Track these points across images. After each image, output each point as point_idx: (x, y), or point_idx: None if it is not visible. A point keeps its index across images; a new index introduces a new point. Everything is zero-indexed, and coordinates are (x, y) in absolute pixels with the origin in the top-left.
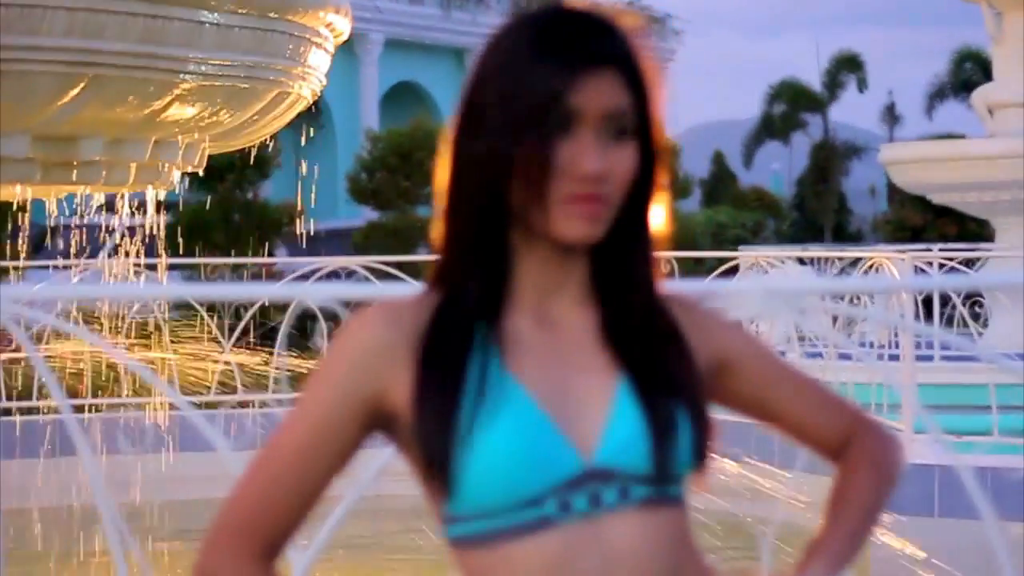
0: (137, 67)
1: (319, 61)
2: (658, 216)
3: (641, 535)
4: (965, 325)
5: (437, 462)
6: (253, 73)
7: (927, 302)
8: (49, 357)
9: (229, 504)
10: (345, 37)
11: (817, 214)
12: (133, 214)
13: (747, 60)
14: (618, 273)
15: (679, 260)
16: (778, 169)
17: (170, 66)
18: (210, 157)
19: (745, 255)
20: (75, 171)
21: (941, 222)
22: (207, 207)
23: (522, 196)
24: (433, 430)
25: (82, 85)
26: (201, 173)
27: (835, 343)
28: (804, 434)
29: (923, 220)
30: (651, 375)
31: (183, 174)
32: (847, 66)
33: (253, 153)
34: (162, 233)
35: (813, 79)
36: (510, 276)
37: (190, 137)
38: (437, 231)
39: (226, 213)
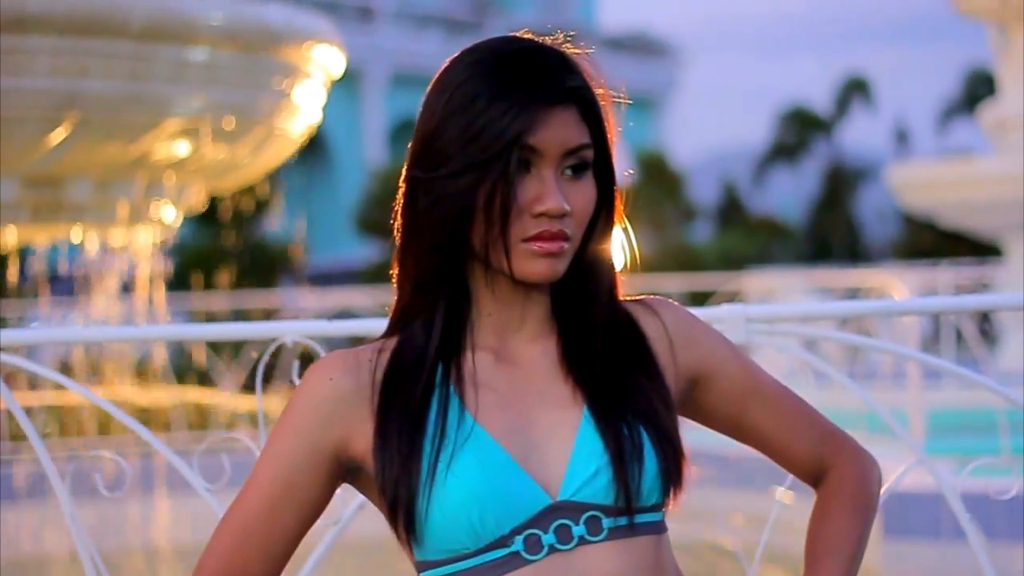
0: (123, 107)
1: (309, 96)
2: (617, 242)
3: (615, 565)
4: (987, 341)
5: (401, 509)
6: (240, 110)
7: (937, 320)
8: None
9: (203, 560)
10: (339, 72)
11: (828, 238)
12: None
13: (754, 83)
14: (577, 305)
15: (685, 287)
16: (788, 193)
17: (156, 105)
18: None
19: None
20: (64, 213)
21: (953, 243)
22: (208, 246)
23: (483, 236)
24: (395, 477)
25: (69, 126)
26: (199, 212)
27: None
28: (778, 452)
29: (935, 241)
30: (612, 404)
31: (183, 215)
32: (856, 87)
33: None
34: (158, 273)
35: (822, 101)
36: (469, 315)
37: (181, 177)
38: (395, 272)
39: (227, 253)
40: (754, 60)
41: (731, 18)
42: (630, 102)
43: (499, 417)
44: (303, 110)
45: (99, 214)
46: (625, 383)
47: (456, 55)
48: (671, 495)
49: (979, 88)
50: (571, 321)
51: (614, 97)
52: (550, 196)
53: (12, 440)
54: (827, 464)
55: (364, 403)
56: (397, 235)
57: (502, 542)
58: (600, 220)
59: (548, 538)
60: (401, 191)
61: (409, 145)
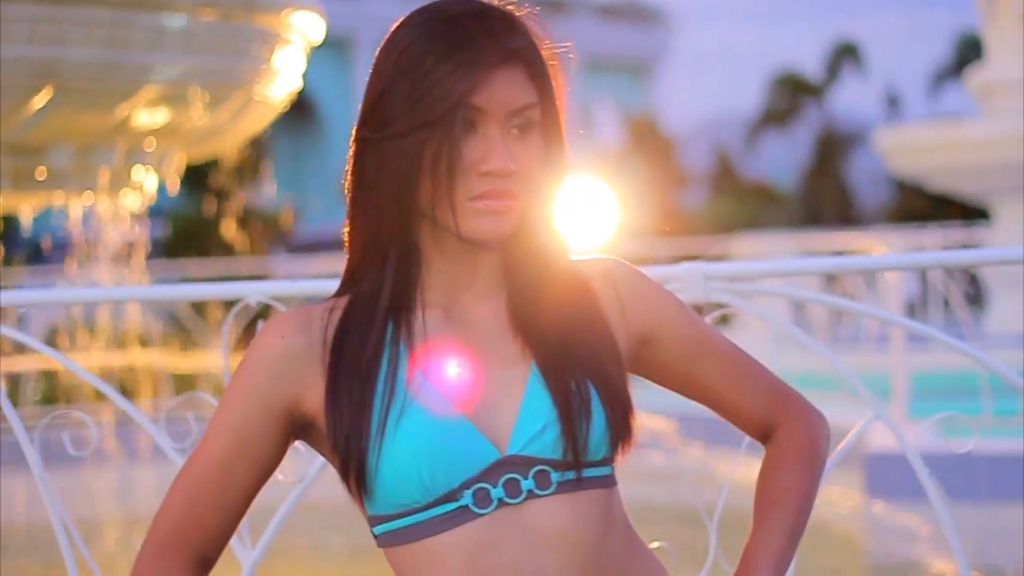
0: (102, 74)
1: (289, 63)
2: (564, 200)
3: (564, 518)
4: (974, 304)
5: (352, 464)
6: (219, 76)
7: (924, 283)
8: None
9: (158, 516)
10: (320, 38)
11: (820, 203)
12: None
13: (746, 50)
14: (526, 264)
15: (673, 252)
16: (780, 159)
17: (135, 72)
18: (201, 165)
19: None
20: (46, 180)
21: (945, 208)
22: (198, 215)
23: (430, 195)
24: (346, 433)
25: (48, 94)
26: (190, 181)
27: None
28: (728, 409)
29: (927, 206)
30: (560, 361)
31: (164, 181)
32: (847, 52)
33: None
34: (142, 240)
35: (813, 67)
36: (419, 273)
37: (162, 143)
38: (346, 231)
39: (218, 221)
40: (746, 26)
41: None
42: (571, 57)
43: (448, 374)
44: (283, 76)
45: (80, 181)
46: (573, 341)
47: (404, 17)
48: (620, 450)
49: (970, 53)
50: (520, 279)
51: (562, 57)
52: (495, 155)
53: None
54: (776, 421)
55: (316, 360)
56: (348, 195)
57: (451, 496)
58: (549, 179)
59: (497, 492)
60: (351, 151)
61: (360, 106)
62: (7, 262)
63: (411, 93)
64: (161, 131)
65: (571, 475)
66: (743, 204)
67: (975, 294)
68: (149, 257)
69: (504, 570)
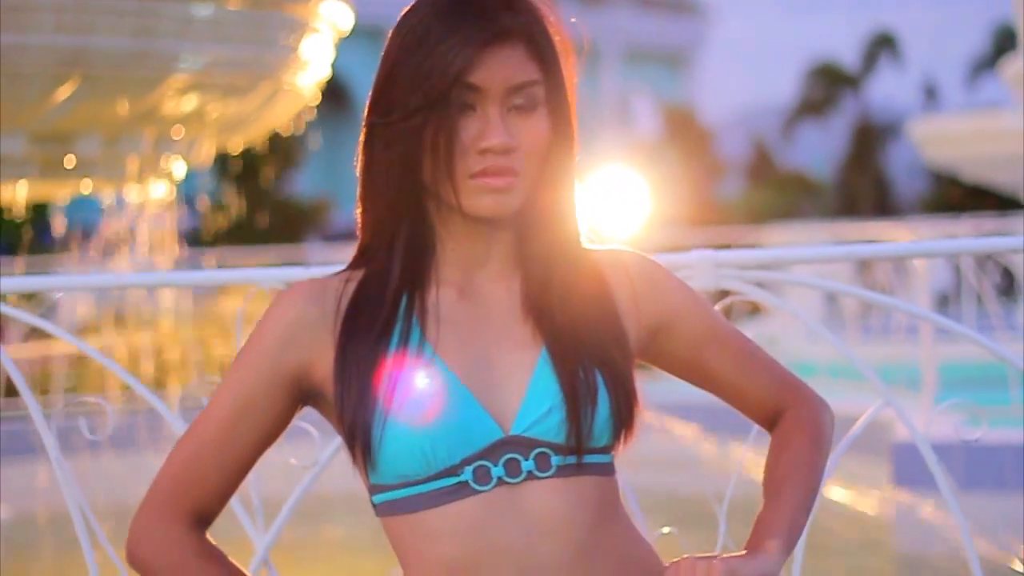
0: (129, 63)
1: (317, 52)
2: (580, 183)
3: (560, 502)
4: (1008, 296)
5: (358, 435)
6: (247, 65)
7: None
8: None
9: (159, 472)
10: (348, 27)
11: (856, 193)
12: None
13: (783, 40)
14: (540, 245)
15: (706, 241)
16: (817, 149)
17: (162, 61)
18: (240, 154)
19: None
20: (74, 168)
21: (981, 199)
22: (235, 203)
23: (432, 174)
24: (353, 404)
25: (75, 82)
26: (209, 169)
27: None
28: (736, 398)
29: (963, 197)
30: (570, 347)
31: (197, 170)
32: (884, 43)
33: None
34: (171, 227)
35: (851, 57)
36: (432, 251)
37: (190, 132)
38: (358, 214)
39: (254, 210)
40: (784, 16)
41: None
42: (579, 43)
43: (459, 351)
44: (312, 66)
45: (109, 170)
46: (584, 329)
47: (413, 2)
48: (622, 439)
49: (1008, 43)
50: (534, 263)
51: (570, 39)
52: (493, 132)
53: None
54: (783, 408)
55: (327, 330)
56: (359, 178)
57: (452, 471)
58: (559, 158)
59: (497, 470)
60: (362, 136)
61: (369, 92)
62: (40, 250)
63: (411, 77)
64: (189, 119)
65: (572, 460)
66: (779, 194)
67: (1008, 286)
68: (184, 245)
69: (498, 548)
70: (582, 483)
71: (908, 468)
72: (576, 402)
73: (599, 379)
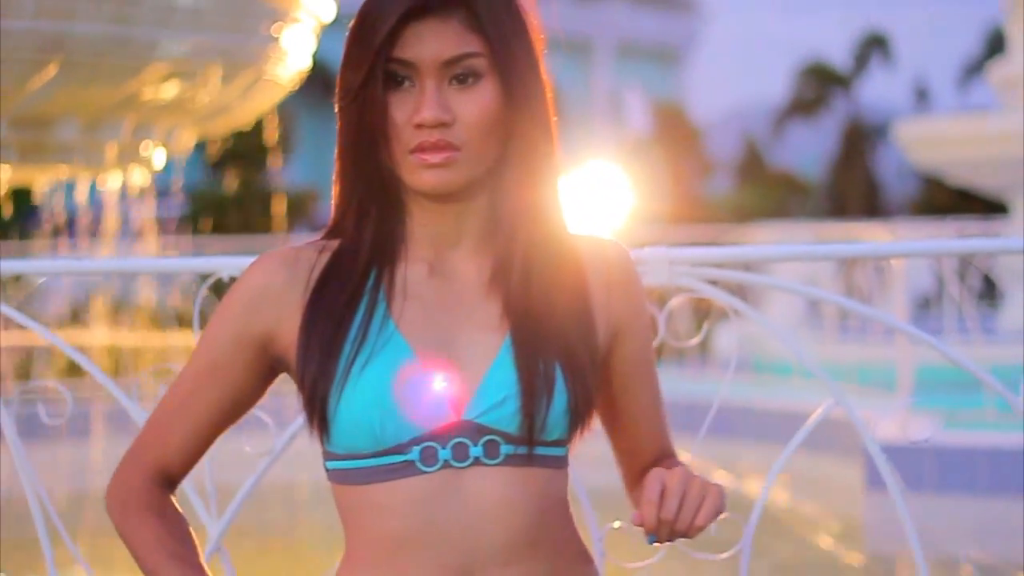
0: (109, 49)
1: (299, 42)
2: (559, 159)
3: (506, 490)
4: (989, 299)
5: (316, 404)
6: (227, 54)
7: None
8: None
9: (139, 432)
10: (330, 18)
11: (845, 194)
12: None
13: (775, 39)
14: (508, 221)
15: (690, 238)
16: (807, 149)
17: (142, 48)
18: (227, 143)
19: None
20: (53, 154)
21: (968, 202)
22: (219, 193)
23: (379, 151)
24: (313, 374)
25: (55, 68)
26: (212, 159)
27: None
28: (628, 440)
29: (951, 200)
30: (534, 333)
31: (178, 158)
32: (875, 43)
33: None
34: (148, 215)
35: (842, 57)
36: (403, 226)
37: (170, 120)
38: (334, 191)
39: (242, 198)
40: (776, 15)
41: None
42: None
43: (421, 329)
44: (292, 55)
45: (88, 156)
46: (550, 317)
47: None
48: (577, 434)
49: (1000, 46)
50: (505, 241)
51: (530, 5)
52: (423, 106)
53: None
54: (658, 461)
55: (295, 299)
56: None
57: (399, 449)
58: (522, 131)
59: (444, 453)
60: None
61: None
62: (23, 236)
63: (350, 57)
64: (169, 107)
65: (522, 450)
66: (769, 193)
67: (989, 290)
68: (166, 233)
69: (438, 527)
70: (530, 474)
71: (879, 471)
72: (532, 395)
73: (558, 372)
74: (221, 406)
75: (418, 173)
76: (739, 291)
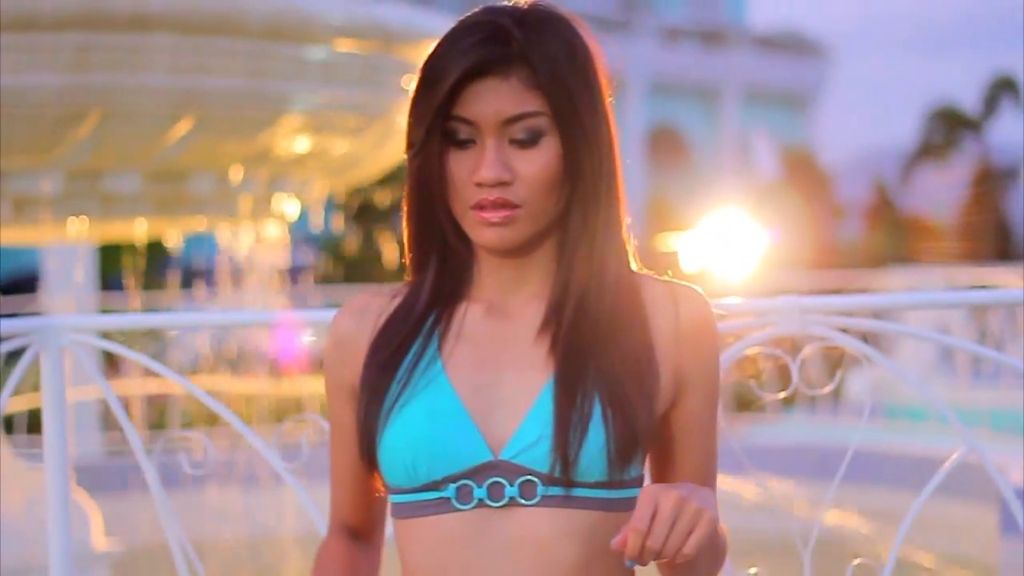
0: (242, 103)
1: None
2: (621, 205)
3: (542, 531)
4: None
5: (363, 440)
6: (359, 107)
7: None
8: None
9: None
10: None
11: (977, 238)
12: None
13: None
14: (565, 267)
15: (822, 284)
16: (937, 192)
17: (275, 102)
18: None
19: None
20: (188, 207)
21: None
22: (355, 243)
23: (442, 202)
24: (364, 411)
25: (189, 122)
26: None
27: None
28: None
29: None
30: (576, 369)
31: (307, 210)
32: (1004, 86)
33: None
34: (282, 266)
35: (971, 100)
36: (470, 272)
37: (303, 172)
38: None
39: (376, 249)
40: (904, 59)
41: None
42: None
43: (468, 370)
44: None
45: (222, 208)
46: (597, 354)
47: None
48: (619, 475)
49: None
50: (563, 285)
51: (600, 56)
52: (483, 165)
53: (151, 429)
54: None
55: (363, 344)
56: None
57: (434, 486)
58: (584, 184)
59: (479, 492)
60: None
61: None
62: (158, 286)
63: (412, 112)
64: (302, 160)
65: (559, 491)
66: (899, 237)
67: None
68: (300, 284)
69: (470, 567)
70: (570, 516)
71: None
72: (565, 429)
73: (597, 408)
74: (356, 458)
75: (479, 230)
76: (871, 336)
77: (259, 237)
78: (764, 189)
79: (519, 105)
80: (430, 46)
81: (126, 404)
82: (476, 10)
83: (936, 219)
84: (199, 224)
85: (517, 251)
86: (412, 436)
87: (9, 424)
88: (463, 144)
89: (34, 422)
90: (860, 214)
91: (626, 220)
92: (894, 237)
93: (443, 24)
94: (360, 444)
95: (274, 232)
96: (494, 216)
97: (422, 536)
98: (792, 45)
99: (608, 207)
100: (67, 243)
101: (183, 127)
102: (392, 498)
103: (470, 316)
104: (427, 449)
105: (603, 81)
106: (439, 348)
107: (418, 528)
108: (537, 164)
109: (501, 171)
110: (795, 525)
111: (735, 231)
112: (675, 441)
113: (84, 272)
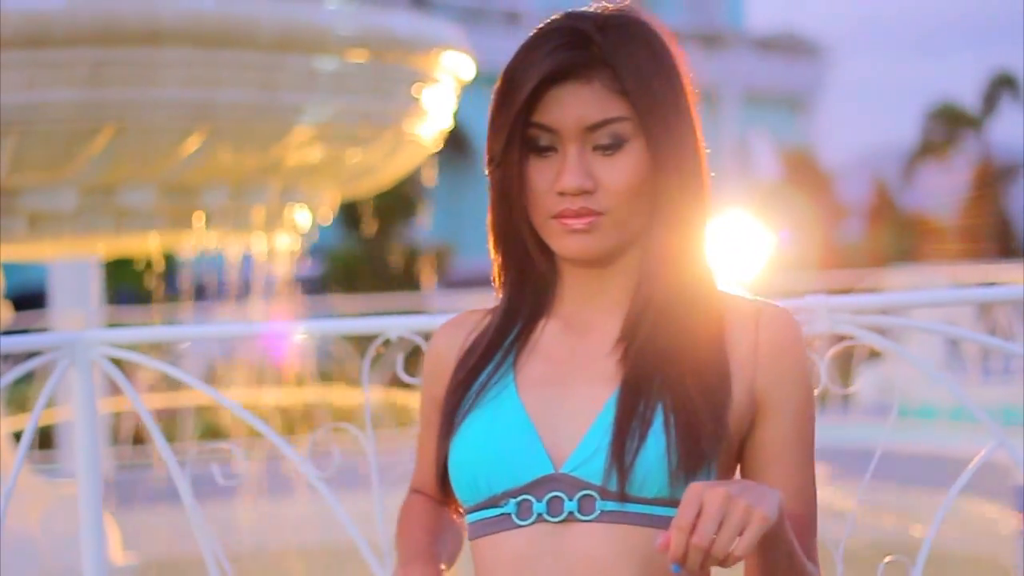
0: (255, 116)
1: (439, 102)
2: (709, 216)
3: (600, 548)
4: None
5: (439, 460)
6: (370, 117)
7: None
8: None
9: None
10: (469, 78)
11: (979, 235)
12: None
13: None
14: (645, 279)
15: (825, 285)
16: (938, 191)
17: (287, 113)
18: (358, 203)
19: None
20: (202, 220)
21: None
22: (354, 251)
23: (524, 214)
24: (442, 423)
25: (202, 135)
26: (348, 219)
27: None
28: None
29: None
30: (641, 383)
31: (321, 220)
32: (1004, 84)
33: (402, 197)
34: (293, 277)
35: (971, 98)
36: (553, 286)
37: (315, 182)
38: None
39: (374, 257)
40: (903, 58)
41: (881, 15)
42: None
43: (539, 385)
44: (433, 115)
45: (235, 220)
46: (665, 365)
47: None
48: (683, 489)
49: None
50: (640, 297)
51: (682, 60)
52: (565, 174)
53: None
54: None
55: (454, 361)
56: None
57: (494, 501)
58: (669, 191)
59: (539, 506)
60: None
61: None
62: (171, 299)
63: (491, 122)
64: (314, 171)
65: (615, 506)
66: (901, 236)
67: None
68: (305, 294)
69: None
70: (627, 533)
71: None
72: (622, 438)
73: (659, 415)
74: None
75: (561, 238)
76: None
77: (271, 248)
78: (766, 191)
79: (602, 110)
80: (440, 55)
81: (136, 419)
82: (556, 16)
83: (938, 217)
84: (212, 237)
85: (598, 262)
86: (473, 450)
87: (19, 439)
88: (544, 152)
89: (45, 438)
90: (862, 214)
91: (709, 233)
92: (896, 236)
93: (453, 33)
94: (438, 462)
95: (286, 243)
96: (577, 223)
97: (487, 556)
98: (791, 46)
99: (695, 218)
100: (77, 258)
101: (196, 140)
102: (466, 517)
103: (548, 331)
104: (487, 463)
105: (689, 88)
106: (514, 364)
107: (484, 548)
108: (622, 171)
109: (583, 179)
110: (823, 526)
111: (739, 233)
112: (760, 470)
113: (93, 286)
